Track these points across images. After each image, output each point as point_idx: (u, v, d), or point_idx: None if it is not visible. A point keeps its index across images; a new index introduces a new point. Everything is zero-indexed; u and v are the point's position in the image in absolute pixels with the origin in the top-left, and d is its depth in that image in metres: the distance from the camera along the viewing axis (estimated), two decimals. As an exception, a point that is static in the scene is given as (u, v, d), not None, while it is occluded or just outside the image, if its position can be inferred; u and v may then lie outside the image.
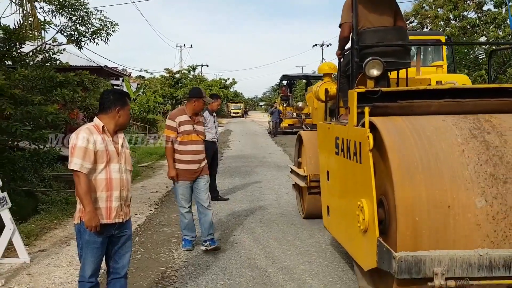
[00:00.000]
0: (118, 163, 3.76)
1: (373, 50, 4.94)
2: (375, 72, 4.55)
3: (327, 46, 55.55)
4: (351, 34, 5.03)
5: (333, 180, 5.29)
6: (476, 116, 4.09)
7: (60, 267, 5.57)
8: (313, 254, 5.95)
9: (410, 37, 9.30)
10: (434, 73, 9.64)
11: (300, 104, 16.30)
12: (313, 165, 6.86)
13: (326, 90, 6.58)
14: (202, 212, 6.08)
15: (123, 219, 3.77)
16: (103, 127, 3.73)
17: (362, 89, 4.40)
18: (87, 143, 3.59)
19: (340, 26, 5.44)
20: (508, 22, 27.13)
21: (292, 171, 8.11)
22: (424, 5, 28.34)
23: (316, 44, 56.48)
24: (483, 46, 25.77)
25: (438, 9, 27.20)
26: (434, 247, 3.56)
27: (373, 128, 3.98)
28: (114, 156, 3.73)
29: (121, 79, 28.30)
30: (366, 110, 4.04)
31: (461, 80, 9.07)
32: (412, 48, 11.88)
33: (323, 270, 5.41)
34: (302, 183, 7.24)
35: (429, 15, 27.70)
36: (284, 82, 33.62)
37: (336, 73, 6.90)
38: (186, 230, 6.14)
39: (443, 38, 11.32)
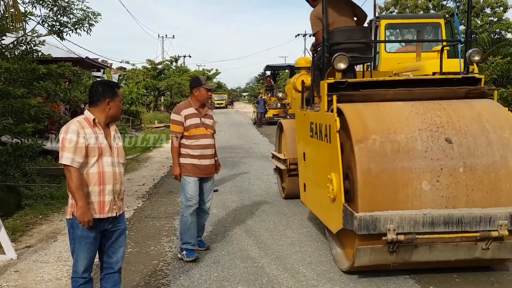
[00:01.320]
0: (110, 156, 3.65)
1: (340, 47, 5.79)
2: (342, 66, 5.30)
3: (310, 36, 55.53)
4: (322, 34, 5.71)
5: (308, 160, 6.12)
6: (425, 102, 4.89)
7: (48, 263, 5.45)
8: (305, 244, 5.92)
9: (410, 21, 9.44)
10: (435, 58, 9.51)
11: (280, 94, 17.11)
12: (292, 149, 7.62)
13: (303, 82, 7.28)
14: (199, 214, 5.61)
15: (116, 213, 3.68)
16: (94, 120, 3.61)
17: (331, 80, 5.25)
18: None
19: (314, 34, 6.27)
20: (487, 10, 27.38)
21: (274, 156, 8.88)
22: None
23: (298, 34, 56.44)
24: (462, 35, 26.00)
25: (418, 0, 27.32)
26: (388, 208, 4.31)
27: (340, 113, 4.76)
28: (106, 149, 3.63)
29: (102, 70, 27.94)
30: (334, 98, 4.87)
31: (457, 66, 9.62)
32: (410, 34, 11.46)
33: (315, 259, 5.39)
34: (282, 166, 8.03)
35: (409, 5, 27.83)
36: (268, 72, 33.56)
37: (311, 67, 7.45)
38: (188, 236, 5.44)
39: (442, 21, 11.32)
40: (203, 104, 5.62)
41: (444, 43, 8.89)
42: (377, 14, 23.83)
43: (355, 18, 6.45)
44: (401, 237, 4.23)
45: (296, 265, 5.22)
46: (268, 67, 32.37)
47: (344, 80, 5.20)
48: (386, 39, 11.24)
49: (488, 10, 28.10)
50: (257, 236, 6.28)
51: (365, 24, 10.37)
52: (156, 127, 27.37)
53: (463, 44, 6.16)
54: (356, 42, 6.11)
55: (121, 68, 43.66)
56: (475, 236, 4.37)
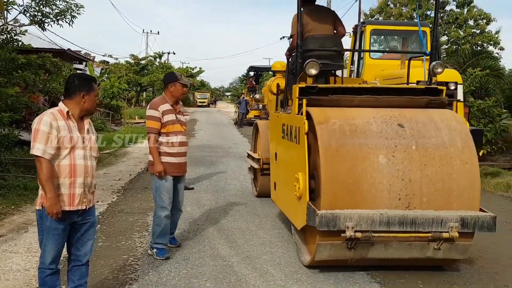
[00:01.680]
0: (83, 149, 3.67)
1: (313, 54, 6.06)
2: (313, 72, 5.56)
3: (289, 38, 55.63)
4: (296, 40, 6.02)
5: (279, 160, 6.40)
6: (388, 109, 5.22)
7: (17, 253, 5.44)
8: (275, 245, 5.99)
9: (396, 27, 9.64)
10: (420, 67, 9.94)
11: (257, 96, 17.42)
12: (266, 149, 7.82)
13: (278, 85, 7.61)
14: (172, 212, 5.52)
15: (86, 206, 3.70)
16: (67, 112, 3.63)
17: (303, 84, 5.50)
18: (50, 128, 3.50)
19: (290, 38, 6.60)
20: (471, 22, 27.79)
21: (249, 156, 9.14)
22: (389, 2, 28.73)
23: (283, 37, 56.52)
24: (444, 46, 26.36)
25: (403, 8, 27.63)
26: (348, 206, 4.61)
27: (309, 116, 5.02)
28: (79, 142, 3.65)
29: (84, 63, 27.72)
30: (304, 101, 5.17)
31: (451, 74, 9.95)
32: (395, 41, 11.51)
33: (285, 260, 5.45)
34: (256, 165, 8.30)
35: (394, 13, 28.12)
36: (252, 73, 33.61)
37: None
38: (160, 237, 5.39)
39: (427, 29, 11.39)
40: (177, 100, 5.58)
41: (428, 51, 9.08)
42: (362, 20, 24.05)
43: (334, 31, 6.66)
44: (359, 235, 4.53)
45: (265, 265, 5.28)
46: (251, 68, 32.43)
47: (314, 85, 5.49)
48: (371, 44, 11.32)
49: (471, 22, 28.54)
50: (229, 235, 6.33)
51: (351, 31, 10.48)
52: (136, 123, 27.25)
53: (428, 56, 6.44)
54: (328, 50, 6.42)
55: (103, 62, 43.33)
56: (428, 236, 4.68)
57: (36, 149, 3.46)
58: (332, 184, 4.67)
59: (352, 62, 11.55)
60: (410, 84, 7.08)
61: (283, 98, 6.96)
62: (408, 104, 5.47)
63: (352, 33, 11.95)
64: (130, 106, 37.16)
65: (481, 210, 4.89)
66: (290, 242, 6.04)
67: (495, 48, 28.01)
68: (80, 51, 28.72)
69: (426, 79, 6.24)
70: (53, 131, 3.51)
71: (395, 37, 12.34)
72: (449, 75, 9.94)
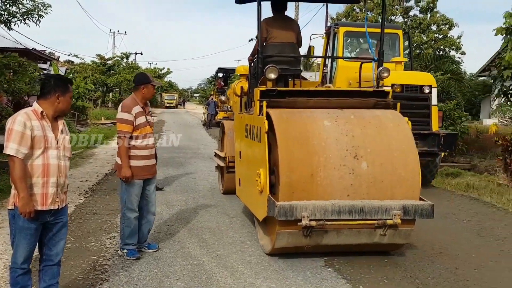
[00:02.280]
0: (56, 149, 3.72)
1: (272, 59, 6.59)
2: (272, 76, 6.07)
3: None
4: (257, 47, 6.57)
5: (243, 157, 6.81)
6: (339, 110, 5.77)
7: (-15, 255, 5.39)
8: (245, 244, 6.10)
9: (370, 30, 10.00)
10: (393, 70, 9.88)
11: (223, 98, 18.03)
12: (231, 148, 8.13)
13: (241, 88, 8.14)
14: (146, 216, 5.60)
15: (59, 205, 3.75)
16: (41, 112, 3.67)
17: (263, 88, 5.98)
18: (24, 128, 3.53)
19: (257, 39, 6.91)
20: (434, 27, 28.50)
21: (216, 155, 9.55)
22: (355, 7, 29.22)
23: (252, 39, 56.65)
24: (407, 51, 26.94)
25: (368, 12, 28.15)
26: (304, 198, 5.08)
27: (269, 116, 5.49)
28: (52, 142, 3.69)
29: (48, 63, 27.26)
30: (264, 103, 5.63)
31: (425, 78, 10.23)
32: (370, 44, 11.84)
33: (254, 258, 5.57)
34: (222, 164, 8.70)
35: (360, 18, 28.61)
36: (220, 74, 33.61)
37: None
38: (130, 238, 5.42)
39: (400, 32, 11.68)
40: (146, 102, 5.60)
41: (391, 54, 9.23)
42: (328, 24, 24.32)
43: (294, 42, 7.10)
44: (313, 223, 5.02)
45: (235, 263, 5.38)
46: (220, 70, 32.44)
47: (274, 88, 5.98)
48: (345, 46, 11.41)
49: (434, 27, 29.25)
50: (199, 235, 6.41)
51: (323, 32, 10.68)
52: (102, 124, 26.94)
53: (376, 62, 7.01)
54: (286, 56, 6.97)
55: (68, 62, 42.65)
56: (374, 223, 5.22)
57: (10, 148, 3.49)
58: (289, 178, 5.12)
59: (325, 65, 11.53)
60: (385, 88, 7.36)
61: (246, 100, 7.48)
62: (358, 105, 6.02)
63: (324, 34, 11.95)
64: (96, 107, 36.66)
65: (421, 199, 5.45)
66: (259, 242, 6.15)
67: (457, 53, 28.86)
68: (45, 50, 28.26)
69: (375, 83, 6.81)
70: (27, 131, 3.54)
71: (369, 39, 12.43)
72: (424, 78, 10.22)
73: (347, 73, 10.27)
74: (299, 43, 7.19)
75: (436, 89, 10.27)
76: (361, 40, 12.64)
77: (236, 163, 7.44)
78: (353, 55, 12.34)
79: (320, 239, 5.33)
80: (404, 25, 27.07)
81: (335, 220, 5.10)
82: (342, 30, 11.02)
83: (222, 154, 8.94)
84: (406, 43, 11.77)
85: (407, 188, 5.37)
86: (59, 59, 37.54)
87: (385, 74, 6.56)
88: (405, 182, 5.38)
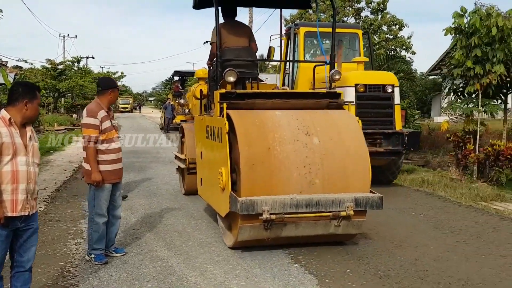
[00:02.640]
0: (25, 156, 3.73)
1: (231, 63, 6.89)
2: (231, 79, 6.37)
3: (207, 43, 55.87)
4: (216, 52, 6.81)
5: (204, 158, 7.11)
6: (295, 111, 6.14)
7: None
8: (213, 244, 6.18)
9: (329, 29, 10.06)
10: (354, 70, 10.43)
11: (182, 101, 18.09)
12: (191, 150, 8.38)
13: (201, 91, 8.38)
14: (112, 221, 5.61)
15: (29, 212, 3.75)
16: (9, 119, 3.67)
17: (223, 90, 6.32)
18: None
19: (210, 43, 7.30)
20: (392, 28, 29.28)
21: (176, 157, 9.73)
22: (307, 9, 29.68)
23: (206, 41, 56.62)
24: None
25: (321, 14, 28.65)
26: (263, 193, 5.42)
27: (229, 118, 5.76)
28: (21, 148, 3.69)
29: (-3, 69, 26.45)
30: (224, 105, 5.92)
31: (387, 77, 10.29)
32: (329, 44, 11.74)
33: (223, 258, 5.66)
34: (183, 165, 8.94)
35: (313, 19, 29.09)
36: (176, 77, 33.44)
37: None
38: (98, 243, 5.43)
39: (360, 32, 11.77)
40: (110, 106, 5.64)
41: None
42: (283, 27, 24.60)
43: (248, 46, 7.44)
44: (273, 217, 5.36)
45: (204, 264, 5.46)
46: (176, 73, 32.30)
47: (233, 91, 6.33)
48: (305, 47, 11.37)
49: (385, 28, 30.03)
50: (166, 238, 6.45)
51: (283, 33, 10.73)
52: (56, 130, 26.36)
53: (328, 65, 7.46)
54: (245, 60, 7.33)
55: (17, 67, 41.39)
56: (329, 215, 5.61)
57: None
58: (249, 174, 5.47)
59: (287, 67, 11.52)
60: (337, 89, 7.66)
61: (206, 103, 7.75)
62: (312, 106, 6.46)
63: (285, 35, 11.95)
64: (47, 113, 35.75)
65: (371, 192, 5.89)
66: (226, 241, 6.27)
67: (408, 53, 29.74)
68: (-8, 56, 27.39)
69: (328, 85, 7.32)
70: None
71: (327, 40, 11.88)
72: (386, 78, 10.28)
73: (309, 74, 9.95)
74: (254, 47, 7.51)
75: (398, 88, 10.27)
76: (323, 40, 12.38)
77: (198, 164, 7.71)
78: (314, 55, 12.29)
79: (280, 232, 5.66)
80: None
81: (294, 213, 5.48)
82: (302, 30, 10.98)
83: (182, 156, 9.13)
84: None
85: (359, 181, 5.82)
86: (7, 65, 36.45)
87: (337, 77, 6.99)
88: (357, 176, 5.83)
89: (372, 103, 9.90)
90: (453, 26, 11.60)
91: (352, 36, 11.76)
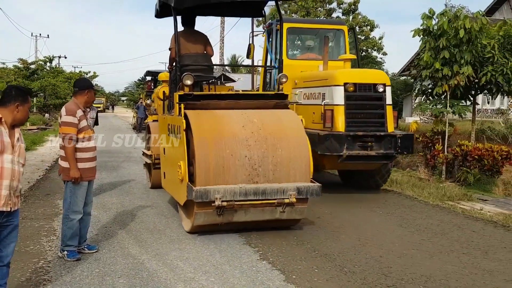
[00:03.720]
0: (11, 154, 3.86)
1: (188, 68, 7.55)
2: (188, 82, 7.00)
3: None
4: (175, 57, 7.52)
5: (166, 153, 7.77)
6: (245, 110, 6.82)
7: None
8: (183, 242, 6.31)
9: (313, 25, 10.52)
10: (341, 68, 9.93)
11: (148, 101, 18.95)
12: (156, 147, 9.00)
13: (164, 92, 9.01)
14: (83, 217, 5.66)
15: (11, 208, 3.86)
16: (1, 118, 3.79)
17: (181, 92, 6.94)
18: None
19: (169, 49, 7.89)
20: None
21: (144, 153, 10.49)
22: (281, 10, 29.85)
23: (170, 48, 56.25)
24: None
25: (293, 14, 28.85)
26: (216, 183, 6.12)
27: (186, 116, 6.46)
28: (8, 147, 3.83)
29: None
30: (182, 106, 6.66)
31: (378, 76, 9.64)
32: (312, 40, 11.43)
33: (193, 255, 5.79)
34: (149, 161, 9.68)
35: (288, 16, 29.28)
36: (148, 78, 33.29)
37: None
38: (71, 240, 5.53)
39: (345, 28, 11.35)
40: (87, 106, 5.75)
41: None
42: (255, 26, 24.58)
43: (205, 52, 8.13)
44: (225, 204, 6.05)
45: (174, 260, 5.59)
46: (148, 73, 32.03)
47: (190, 93, 6.96)
48: (288, 43, 10.92)
49: (356, 29, 30.35)
50: (138, 236, 6.55)
51: (263, 29, 10.75)
52: (28, 129, 26.04)
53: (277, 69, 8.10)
54: (200, 65, 7.92)
55: (-12, 67, 40.69)
56: (274, 202, 6.29)
57: None
58: (203, 167, 6.13)
59: (267, 63, 11.31)
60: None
61: (168, 103, 8.33)
62: (261, 106, 7.17)
63: (265, 31, 11.66)
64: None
65: (311, 181, 6.57)
66: (197, 239, 6.41)
67: (379, 53, 30.10)
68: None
69: (276, 87, 7.96)
70: None
71: (313, 35, 11.79)
72: (377, 76, 9.60)
73: (293, 71, 10.09)
74: (210, 51, 8.20)
75: (390, 87, 9.57)
76: (304, 37, 11.99)
77: (161, 159, 8.36)
78: (296, 53, 11.74)
79: (231, 217, 6.33)
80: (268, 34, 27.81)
81: (243, 200, 6.16)
82: (285, 26, 10.53)
83: (149, 153, 9.84)
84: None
85: (301, 172, 6.52)
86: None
87: (283, 80, 7.62)
88: (300, 167, 6.52)
89: (362, 103, 9.28)
90: (421, 27, 11.87)
91: (337, 33, 11.30)
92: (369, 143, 8.93)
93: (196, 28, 8.39)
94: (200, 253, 5.85)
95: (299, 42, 12.16)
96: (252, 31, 9.59)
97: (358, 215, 8.03)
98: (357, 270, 5.43)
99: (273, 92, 7.66)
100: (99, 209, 7.98)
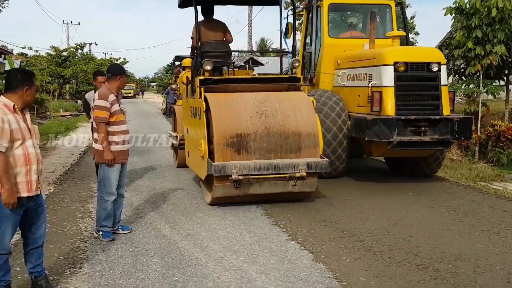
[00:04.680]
0: (30, 138, 3.95)
1: (208, 54, 8.09)
2: (208, 67, 7.52)
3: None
4: (196, 45, 8.14)
5: (189, 133, 8.39)
6: (259, 93, 7.38)
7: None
8: (213, 223, 6.44)
9: (356, 1, 10.05)
10: (389, 45, 9.06)
11: (173, 86, 19.61)
12: (181, 128, 9.64)
13: (187, 77, 9.59)
14: (117, 199, 5.84)
15: (40, 190, 4.01)
16: (14, 106, 3.87)
17: (202, 77, 7.51)
18: (2, 123, 3.73)
19: (191, 38, 8.47)
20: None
21: (170, 135, 11.15)
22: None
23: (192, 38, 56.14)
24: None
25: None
26: (233, 159, 6.78)
27: (206, 99, 7.06)
28: (26, 132, 3.93)
29: (3, 56, 26.64)
30: (202, 89, 7.28)
31: (432, 54, 8.68)
32: (355, 18, 10.79)
33: (223, 235, 5.92)
34: (175, 142, 10.32)
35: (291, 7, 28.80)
36: (177, 63, 33.50)
37: None
38: (106, 220, 5.74)
39: (392, 3, 10.31)
40: (119, 91, 5.91)
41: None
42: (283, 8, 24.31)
43: (224, 39, 8.65)
44: (241, 177, 6.69)
45: (205, 240, 5.72)
46: (177, 58, 32.27)
47: (210, 77, 7.51)
48: (330, 22, 10.14)
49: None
50: (169, 217, 6.72)
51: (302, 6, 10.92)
52: (62, 116, 26.64)
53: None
54: (218, 51, 8.40)
55: (22, 54, 41.53)
56: (286, 176, 6.89)
57: None
58: (221, 144, 6.77)
59: (306, 43, 10.74)
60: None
61: (191, 87, 8.77)
62: (275, 89, 7.70)
63: (303, 9, 11.05)
64: (53, 99, 35.99)
65: (321, 157, 7.15)
66: (227, 220, 6.53)
67: (411, 33, 29.58)
68: (-2, 44, 27.59)
69: (290, 70, 8.42)
70: (5, 125, 3.75)
71: (355, 13, 10.84)
72: (431, 54, 8.69)
73: (335, 51, 9.72)
74: (229, 38, 8.71)
75: (445, 66, 8.64)
76: (346, 14, 10.94)
77: (185, 139, 9.00)
78: (339, 32, 10.68)
79: (247, 190, 6.94)
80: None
81: (257, 175, 6.78)
82: (326, 2, 9.83)
83: (174, 134, 10.47)
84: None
85: (310, 149, 7.11)
86: (13, 52, 36.62)
87: (296, 64, 8.16)
88: (309, 144, 7.10)
89: (415, 84, 8.50)
90: (453, 6, 11.65)
91: (382, 8, 10.30)
92: (422, 128, 8.13)
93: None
94: (230, 234, 5.97)
95: (340, 19, 11.15)
96: (294, 8, 8.84)
97: (388, 197, 8.01)
98: (385, 249, 5.47)
99: (286, 76, 8.12)
100: (131, 192, 8.18)
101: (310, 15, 10.34)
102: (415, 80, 8.51)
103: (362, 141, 8.87)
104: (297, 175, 6.87)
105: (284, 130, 7.01)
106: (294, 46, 8.47)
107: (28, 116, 4.05)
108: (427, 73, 8.45)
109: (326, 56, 9.87)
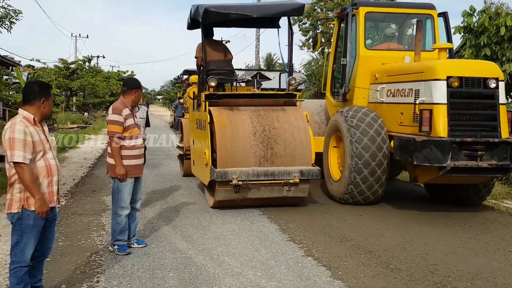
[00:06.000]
0: (50, 150, 3.99)
1: (213, 72, 8.75)
2: (212, 84, 8.24)
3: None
4: (202, 63, 8.96)
5: (195, 143, 9.24)
6: (258, 107, 8.24)
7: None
8: (228, 238, 6.40)
9: (395, 10, 9.68)
10: (435, 59, 8.25)
11: (181, 100, 20.58)
12: (188, 140, 10.47)
13: (194, 92, 10.37)
14: (131, 213, 5.84)
15: (59, 201, 4.01)
16: (34, 118, 3.89)
17: (207, 92, 8.26)
18: (24, 135, 3.76)
19: (196, 58, 9.45)
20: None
21: (177, 146, 12.06)
22: (316, 7, 29.57)
23: (196, 57, 56.40)
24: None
25: (329, 12, 28.53)
26: (234, 166, 7.52)
27: (210, 112, 7.84)
28: (46, 144, 3.96)
29: (11, 68, 26.83)
30: (207, 103, 8.06)
31: (489, 68, 7.78)
32: (393, 28, 10.00)
33: (238, 250, 5.88)
34: (181, 152, 11.23)
35: (320, 17, 28.99)
36: (185, 76, 33.64)
37: None
38: (120, 234, 5.73)
39: (435, 13, 9.55)
40: (134, 105, 5.91)
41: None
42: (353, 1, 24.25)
43: (225, 57, 9.52)
44: (240, 183, 7.44)
45: (221, 255, 5.68)
46: (185, 72, 32.44)
47: (214, 93, 8.24)
48: (366, 32, 9.46)
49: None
50: (184, 231, 6.68)
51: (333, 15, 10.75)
52: (69, 128, 26.73)
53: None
54: (222, 69, 9.15)
55: (29, 66, 41.79)
56: (281, 182, 7.66)
57: (17, 156, 3.71)
58: (223, 153, 7.54)
59: (337, 55, 10.09)
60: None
61: (197, 102, 9.62)
62: (273, 103, 8.47)
63: (335, 19, 10.40)
64: (60, 111, 36.14)
65: (313, 165, 7.86)
66: (241, 236, 6.49)
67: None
68: (7, 55, 27.80)
69: (288, 87, 8.89)
70: (28, 137, 3.78)
71: (391, 23, 10.06)
72: (487, 69, 7.72)
73: (372, 64, 9.00)
74: (230, 57, 9.63)
75: (503, 83, 7.67)
76: (381, 24, 10.12)
77: (191, 149, 9.86)
78: (374, 43, 10.08)
79: (246, 194, 7.70)
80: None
81: (255, 180, 7.54)
82: (362, 11, 9.06)
83: (181, 145, 11.29)
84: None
85: (303, 158, 7.86)
86: (21, 64, 36.87)
87: (292, 82, 8.85)
88: (303, 154, 7.85)
89: (470, 102, 7.55)
90: (462, 25, 11.70)
91: (423, 18, 9.29)
92: (479, 152, 7.15)
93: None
94: (245, 249, 5.94)
95: (374, 30, 10.26)
96: (326, 18, 8.77)
97: (401, 213, 7.97)
98: (403, 267, 5.42)
99: (283, 92, 8.85)
100: (143, 206, 8.11)
101: (343, 25, 9.73)
102: (470, 98, 7.55)
103: (406, 165, 8.18)
104: (291, 181, 7.62)
105: (280, 140, 7.82)
106: (291, 65, 9.24)
107: (46, 128, 4.08)
108: (484, 89, 7.49)
109: (361, 70, 9.06)
